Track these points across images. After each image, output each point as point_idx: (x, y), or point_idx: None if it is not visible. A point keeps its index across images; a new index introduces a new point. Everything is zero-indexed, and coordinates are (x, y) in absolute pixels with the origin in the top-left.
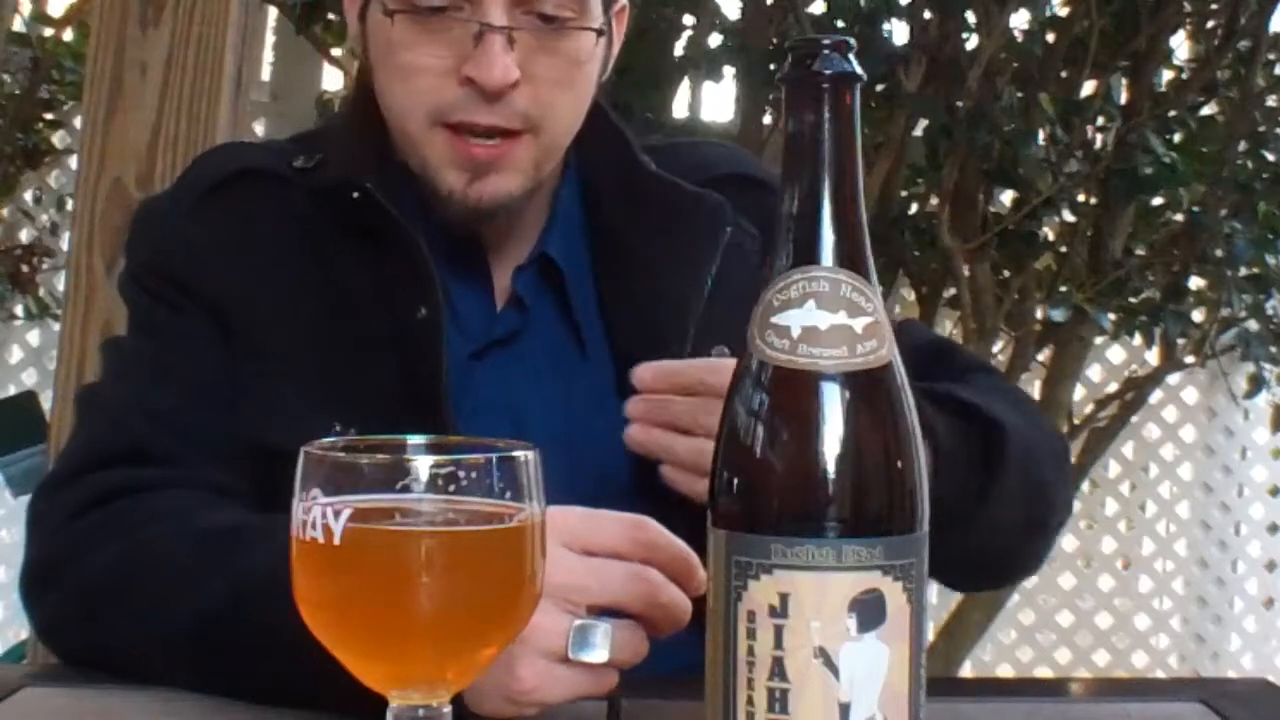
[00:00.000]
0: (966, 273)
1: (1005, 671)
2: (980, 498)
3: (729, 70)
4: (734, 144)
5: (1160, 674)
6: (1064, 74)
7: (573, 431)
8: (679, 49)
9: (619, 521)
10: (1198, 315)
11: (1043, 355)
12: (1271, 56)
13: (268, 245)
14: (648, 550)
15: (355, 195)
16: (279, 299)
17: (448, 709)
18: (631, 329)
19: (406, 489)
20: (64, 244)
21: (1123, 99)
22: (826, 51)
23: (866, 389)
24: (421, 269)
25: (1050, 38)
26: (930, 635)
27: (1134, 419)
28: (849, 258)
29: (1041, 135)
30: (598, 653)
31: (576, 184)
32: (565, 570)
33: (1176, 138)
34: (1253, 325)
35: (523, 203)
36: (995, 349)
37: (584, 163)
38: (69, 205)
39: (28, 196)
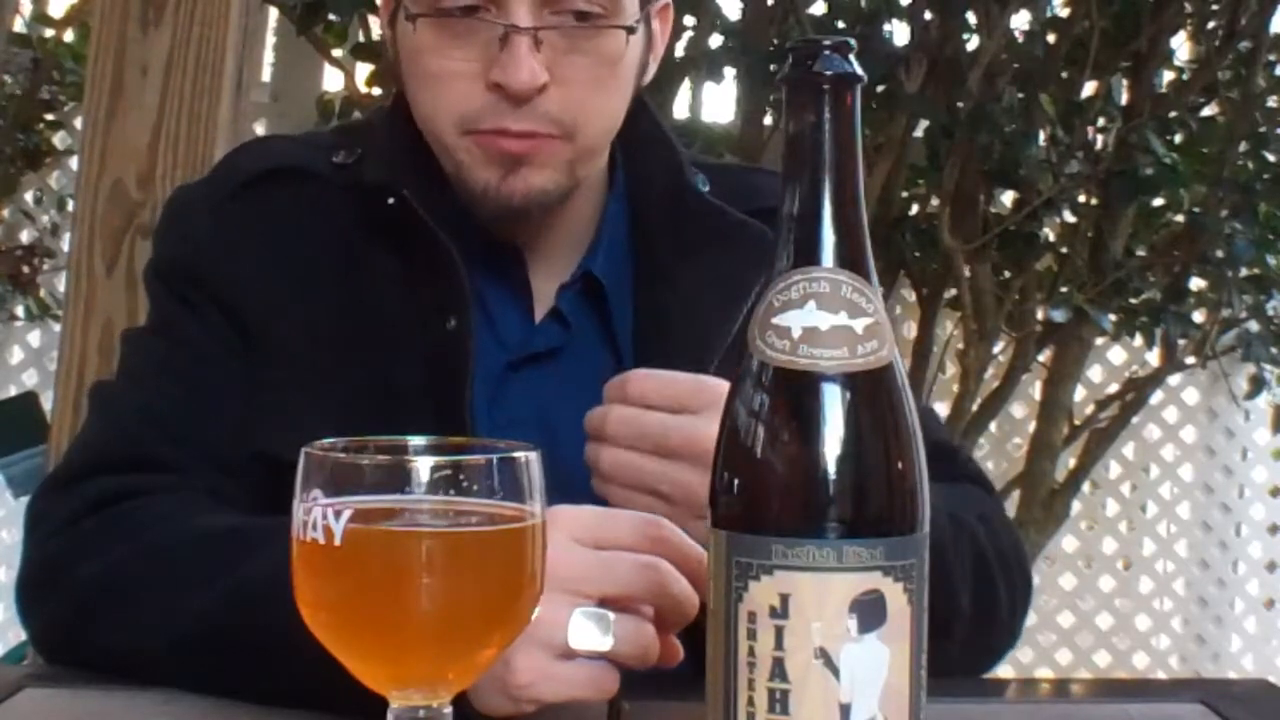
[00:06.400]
0: (967, 273)
1: (1005, 672)
2: None
3: (729, 71)
4: None
5: (1161, 675)
6: (1065, 75)
7: None
8: (679, 49)
9: (632, 519)
10: (1198, 316)
11: (1043, 356)
12: (1272, 57)
13: (297, 249)
14: (659, 546)
15: (391, 201)
16: (303, 305)
17: (448, 709)
18: (661, 354)
19: (407, 490)
20: (64, 245)
21: (1123, 100)
22: (827, 52)
23: (867, 390)
24: (454, 278)
25: (1051, 38)
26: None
27: (1135, 420)
28: (849, 258)
29: (1042, 136)
30: (598, 639)
31: (624, 201)
32: (572, 563)
33: (1177, 139)
34: (1253, 326)
35: (560, 203)
36: (996, 349)
37: (632, 179)
38: (69, 206)
39: (28, 197)
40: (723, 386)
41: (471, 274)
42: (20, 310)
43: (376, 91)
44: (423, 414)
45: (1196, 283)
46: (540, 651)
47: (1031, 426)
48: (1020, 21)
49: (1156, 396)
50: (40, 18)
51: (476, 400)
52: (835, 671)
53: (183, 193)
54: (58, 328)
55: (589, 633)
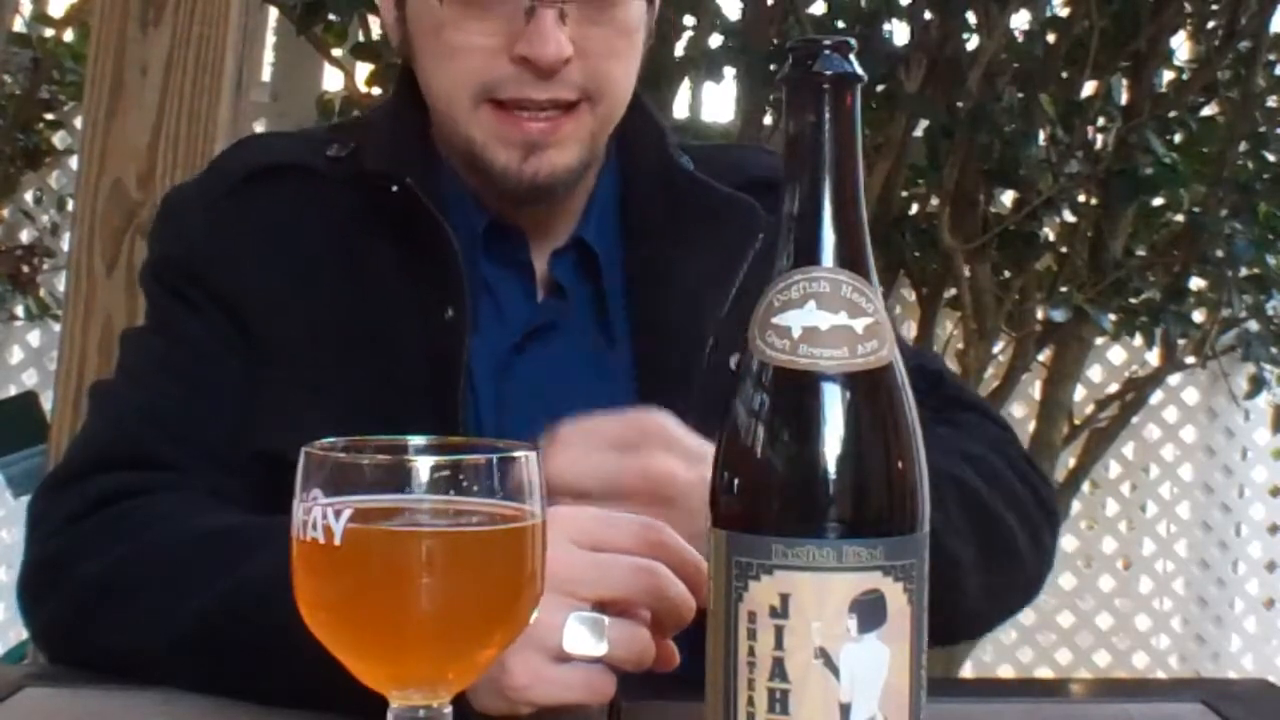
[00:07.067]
0: (967, 273)
1: (1006, 672)
2: None
3: (729, 71)
4: (773, 149)
5: (1161, 674)
6: (1064, 74)
7: None
8: (679, 49)
9: (632, 523)
10: (1198, 316)
11: (1043, 356)
12: (1272, 57)
13: (294, 245)
14: (658, 550)
15: (394, 189)
16: (302, 302)
17: (448, 709)
18: (652, 329)
19: (407, 490)
20: (64, 244)
21: (1123, 100)
22: (827, 52)
23: (867, 389)
24: (451, 267)
25: (1051, 38)
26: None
27: (1134, 419)
28: (849, 258)
29: (1042, 136)
30: (592, 644)
31: (615, 173)
32: (569, 564)
33: (1177, 138)
34: (1253, 326)
35: (580, 178)
36: (996, 349)
37: (623, 155)
38: (69, 206)
39: (28, 197)
40: (656, 420)
41: (477, 259)
42: (20, 310)
43: (376, 91)
44: (423, 407)
45: (1196, 283)
46: (536, 654)
47: (1031, 426)
48: (1020, 21)
49: (1156, 396)
50: (40, 17)
51: (482, 387)
52: (835, 671)
53: (177, 192)
54: (58, 328)
55: (583, 637)
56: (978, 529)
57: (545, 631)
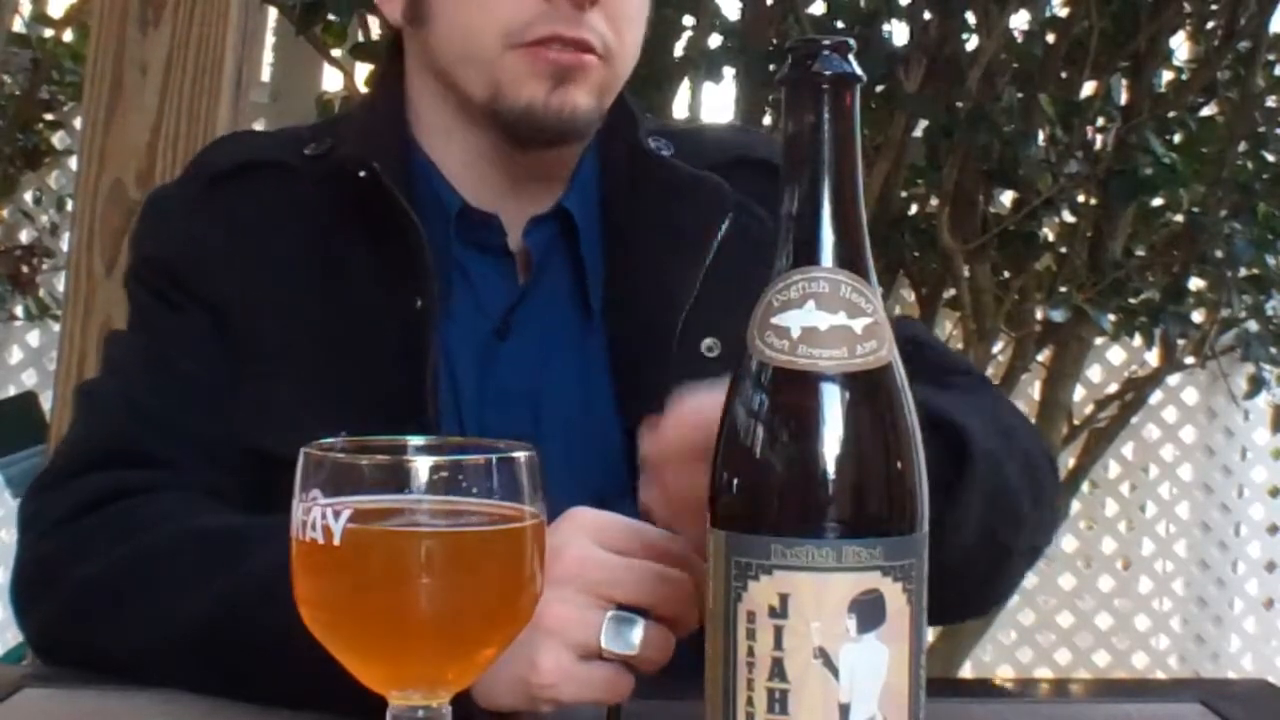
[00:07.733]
0: (966, 273)
1: (1005, 672)
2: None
3: (729, 71)
4: (753, 129)
5: (1160, 675)
6: (1064, 75)
7: (584, 411)
8: (679, 49)
9: (662, 535)
10: (1198, 316)
11: (1043, 356)
12: (1271, 57)
13: (272, 241)
14: (678, 560)
15: (361, 175)
16: (281, 297)
17: (447, 709)
18: (625, 311)
19: (406, 490)
20: (64, 244)
21: (1123, 100)
22: (826, 52)
23: (866, 390)
24: (418, 257)
25: (1050, 38)
26: (930, 635)
27: (1134, 420)
28: (849, 258)
29: (1041, 136)
30: (629, 643)
31: (598, 150)
32: (599, 565)
33: (1176, 138)
34: (1253, 326)
35: (586, 136)
36: (995, 349)
37: (603, 136)
38: (69, 206)
39: (28, 197)
40: None
41: (449, 246)
42: (20, 310)
43: None
44: (401, 401)
45: (1196, 283)
46: (566, 652)
47: None
48: (1020, 21)
49: (1156, 396)
50: (40, 18)
51: (462, 377)
52: (834, 671)
53: (158, 193)
54: (57, 328)
55: (623, 636)
56: (1032, 489)
57: (578, 629)
